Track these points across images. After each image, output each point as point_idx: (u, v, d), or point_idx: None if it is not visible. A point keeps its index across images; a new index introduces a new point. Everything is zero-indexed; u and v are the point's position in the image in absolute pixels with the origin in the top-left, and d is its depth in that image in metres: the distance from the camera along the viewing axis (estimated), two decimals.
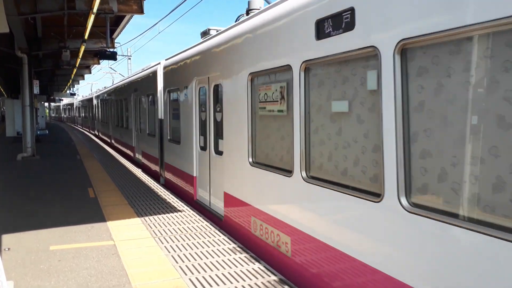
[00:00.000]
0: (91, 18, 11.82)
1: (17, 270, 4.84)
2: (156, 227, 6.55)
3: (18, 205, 8.15)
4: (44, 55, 19.30)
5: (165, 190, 9.57)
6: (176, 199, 8.63)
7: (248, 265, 4.95)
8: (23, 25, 13.29)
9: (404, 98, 3.22)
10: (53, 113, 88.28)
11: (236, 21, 7.57)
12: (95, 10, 11.05)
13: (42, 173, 12.25)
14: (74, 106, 55.94)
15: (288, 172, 4.85)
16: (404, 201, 3.20)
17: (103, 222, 6.84)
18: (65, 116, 73.11)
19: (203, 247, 5.61)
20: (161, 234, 6.19)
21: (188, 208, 7.81)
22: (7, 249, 5.58)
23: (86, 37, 14.28)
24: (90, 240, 5.94)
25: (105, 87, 30.57)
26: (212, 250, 5.49)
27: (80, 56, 17.96)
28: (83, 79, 36.57)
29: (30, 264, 5.05)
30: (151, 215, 7.29)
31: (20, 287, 4.39)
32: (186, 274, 4.69)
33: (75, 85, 49.23)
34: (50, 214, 7.43)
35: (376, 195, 3.52)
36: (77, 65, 20.75)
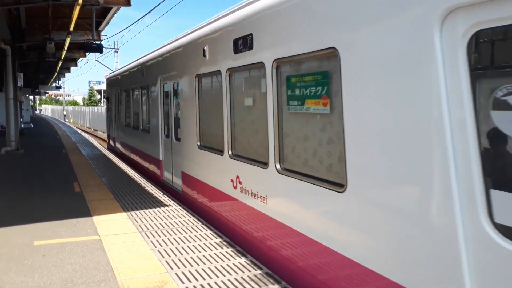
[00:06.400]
0: (77, 9, 11.61)
1: (0, 266, 4.77)
2: (142, 222, 6.51)
3: (1, 200, 8.01)
4: (28, 47, 18.95)
5: (153, 186, 9.50)
6: (161, 193, 8.59)
7: (235, 259, 4.96)
8: (6, 16, 13.01)
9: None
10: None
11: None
12: (80, 1, 10.86)
13: (26, 168, 12.06)
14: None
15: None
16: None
17: (89, 217, 6.77)
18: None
19: (189, 242, 5.59)
20: (147, 229, 6.15)
21: (174, 203, 7.78)
22: None
23: (71, 29, 14.04)
24: (75, 235, 5.88)
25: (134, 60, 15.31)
26: (199, 245, 5.48)
27: (65, 49, 17.67)
28: (69, 72, 36.04)
29: (13, 259, 4.97)
30: (137, 210, 7.24)
31: (3, 282, 4.33)
32: (172, 269, 4.68)
33: (61, 78, 48.54)
34: (34, 209, 7.32)
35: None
36: (62, 58, 20.41)
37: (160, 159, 9.82)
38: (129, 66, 13.58)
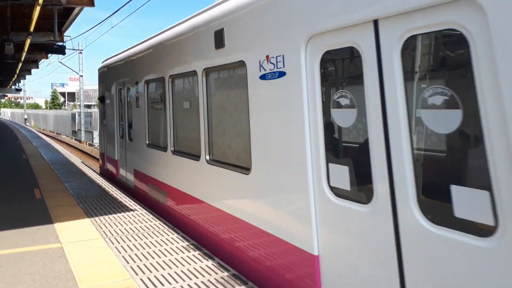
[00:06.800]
0: (37, 9, 11.21)
1: None
2: (106, 227, 6.34)
3: None
4: None
5: (116, 189, 9.28)
6: (128, 198, 8.40)
7: (202, 262, 4.92)
8: None
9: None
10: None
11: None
12: (41, 1, 10.49)
13: None
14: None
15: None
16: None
17: (50, 224, 6.53)
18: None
19: (155, 246, 5.50)
20: (112, 235, 6.00)
21: (140, 208, 7.63)
22: None
23: (31, 29, 13.54)
24: (35, 243, 5.65)
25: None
26: (165, 249, 5.40)
27: (25, 50, 17.01)
28: (30, 74, 34.73)
29: None
30: (102, 215, 7.05)
31: None
32: (137, 274, 4.58)
33: (21, 80, 46.70)
34: None
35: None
36: (22, 59, 19.64)
37: (297, 244, 3.90)
38: (159, 38, 7.42)
